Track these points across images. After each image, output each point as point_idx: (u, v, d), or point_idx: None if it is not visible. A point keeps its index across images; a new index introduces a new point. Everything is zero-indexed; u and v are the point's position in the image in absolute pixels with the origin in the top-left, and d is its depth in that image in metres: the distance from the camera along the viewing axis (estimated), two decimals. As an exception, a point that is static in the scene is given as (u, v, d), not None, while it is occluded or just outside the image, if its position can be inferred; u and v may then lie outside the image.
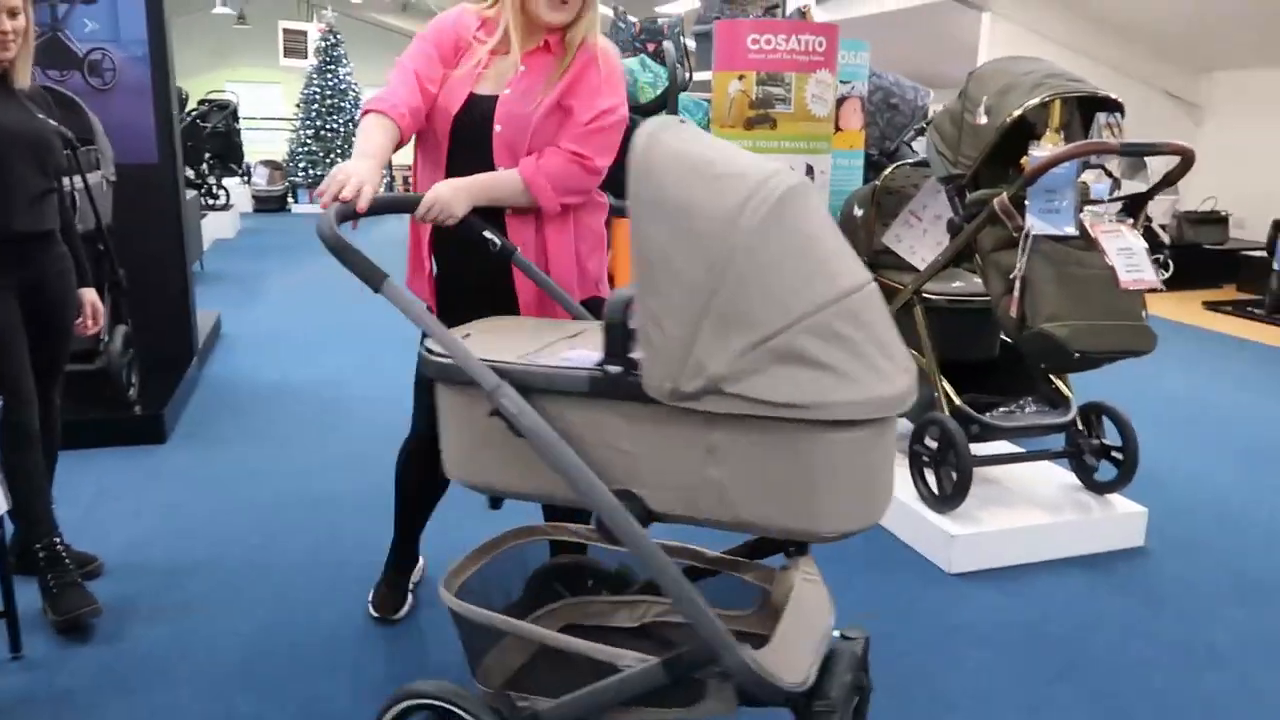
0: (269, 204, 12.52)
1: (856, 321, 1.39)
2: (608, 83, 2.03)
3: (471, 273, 2.12)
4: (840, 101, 3.70)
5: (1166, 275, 8.11)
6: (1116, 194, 2.92)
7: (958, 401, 2.99)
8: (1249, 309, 7.08)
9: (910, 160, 3.62)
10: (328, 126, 12.40)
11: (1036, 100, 2.70)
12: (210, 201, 10.36)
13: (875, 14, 10.47)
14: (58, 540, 2.46)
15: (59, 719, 2.10)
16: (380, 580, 2.56)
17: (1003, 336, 3.26)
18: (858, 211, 3.51)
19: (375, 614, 2.51)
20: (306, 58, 13.66)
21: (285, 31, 15.59)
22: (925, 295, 3.15)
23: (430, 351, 1.61)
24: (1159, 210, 8.08)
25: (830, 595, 1.83)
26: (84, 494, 3.26)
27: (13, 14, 2.27)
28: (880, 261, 3.43)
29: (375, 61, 22.10)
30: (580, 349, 1.64)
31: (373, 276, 1.63)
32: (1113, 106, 2.78)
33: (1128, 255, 2.64)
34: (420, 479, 2.44)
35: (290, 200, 12.69)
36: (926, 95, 4.33)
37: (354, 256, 1.62)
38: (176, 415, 4.07)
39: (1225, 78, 9.16)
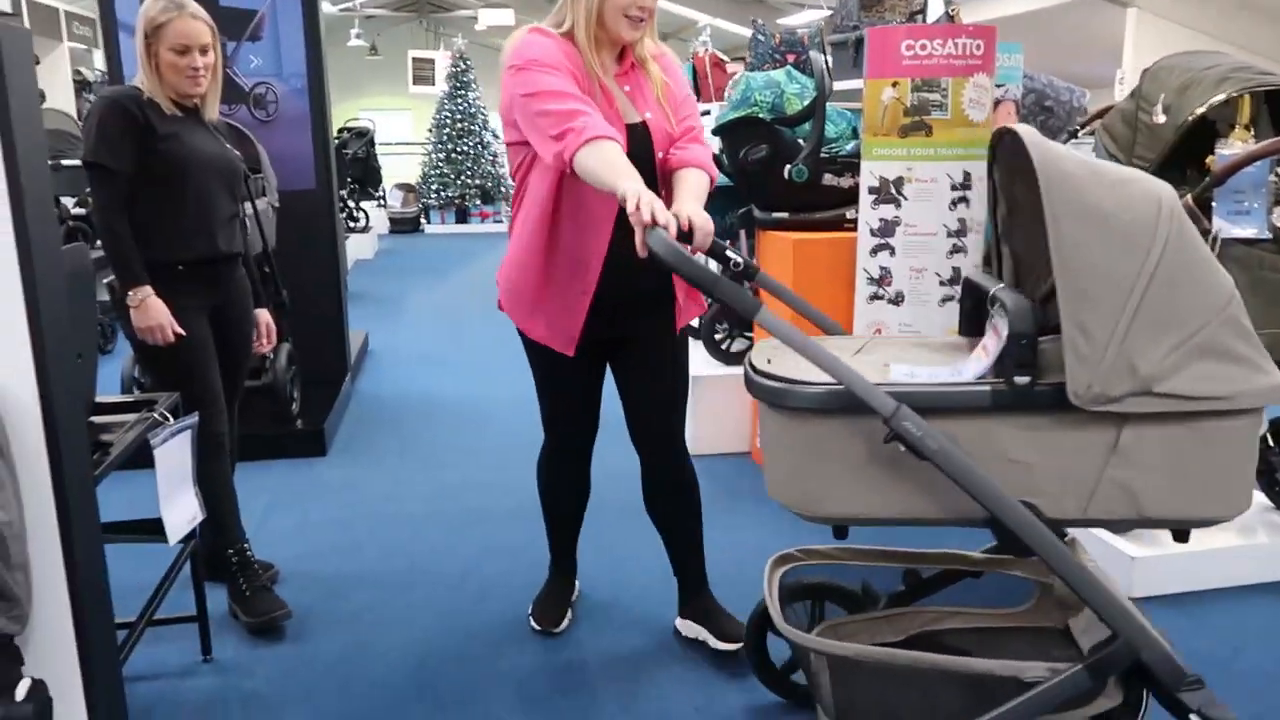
0: (404, 225, 12.99)
1: (1245, 315, 1.49)
2: (679, 73, 2.18)
3: (633, 291, 2.14)
4: (994, 106, 3.57)
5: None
6: None
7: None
8: None
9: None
10: (458, 150, 12.79)
11: (1222, 96, 2.54)
12: (351, 224, 10.82)
13: (1015, 14, 10.13)
14: (247, 545, 2.59)
15: (249, 721, 2.19)
16: (541, 593, 2.59)
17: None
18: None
19: (537, 626, 2.53)
20: (434, 84, 14.16)
21: (414, 60, 16.23)
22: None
23: (787, 379, 1.57)
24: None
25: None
26: (255, 505, 3.41)
27: (204, 51, 2.41)
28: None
29: (497, 87, 22.82)
30: (904, 365, 1.70)
31: (748, 304, 1.60)
32: (1307, 99, 2.59)
33: (1328, 259, 2.45)
34: (558, 487, 2.50)
35: (424, 221, 13.14)
36: (1083, 96, 4.14)
37: (725, 286, 1.59)
38: (335, 430, 4.24)
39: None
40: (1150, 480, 1.52)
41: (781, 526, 3.20)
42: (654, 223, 1.60)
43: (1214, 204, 2.53)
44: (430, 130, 13.11)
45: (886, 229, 3.15)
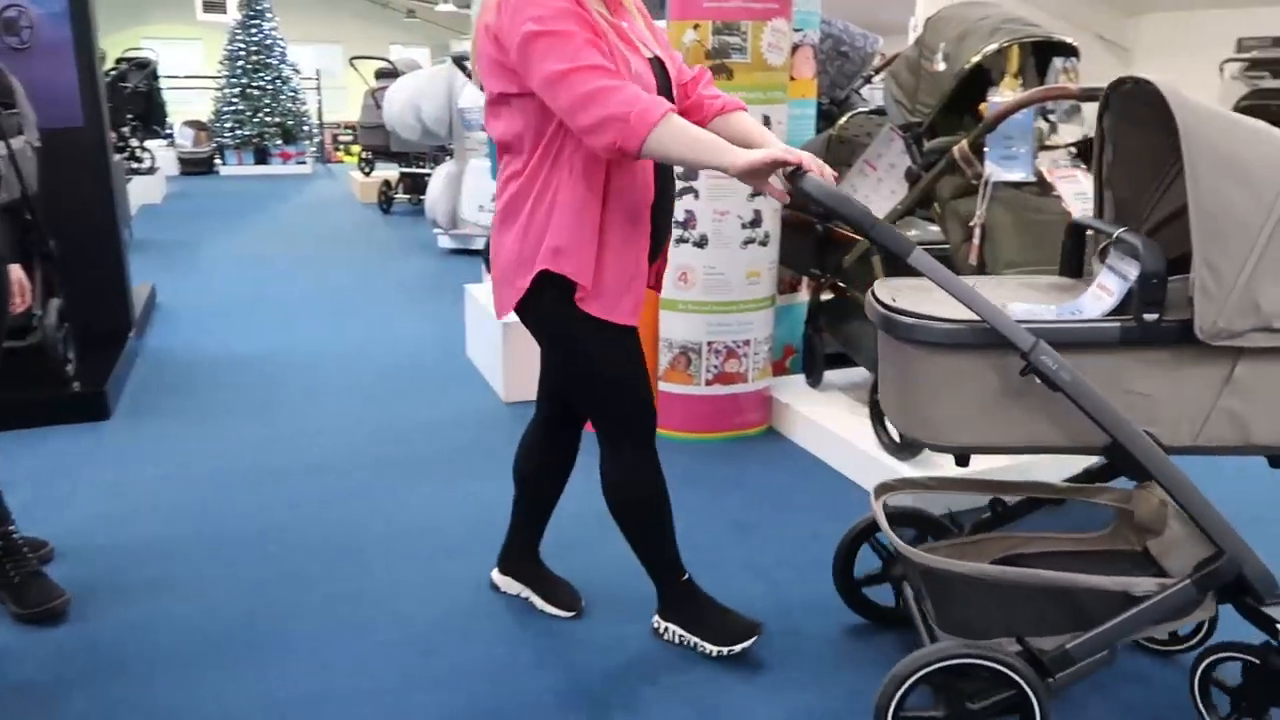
0: (196, 167, 12.10)
1: None
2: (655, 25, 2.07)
3: (663, 239, 2.07)
4: (792, 50, 3.65)
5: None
6: (1054, 139, 2.94)
7: (918, 350, 3.01)
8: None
9: (864, 109, 3.60)
10: (255, 84, 11.96)
11: (994, 46, 2.70)
12: (134, 165, 9.96)
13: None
14: (12, 529, 2.36)
15: (20, 714, 2.02)
16: (691, 614, 2.25)
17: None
18: (813, 162, 3.49)
19: (725, 650, 2.20)
20: (226, 11, 13.15)
21: (203, -16, 15.00)
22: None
23: (920, 315, 1.65)
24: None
25: None
26: (27, 476, 3.13)
27: None
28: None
29: (302, 13, 21.45)
30: (1020, 304, 1.74)
31: (904, 245, 1.66)
32: (1068, 51, 2.78)
33: (1083, 199, 2.67)
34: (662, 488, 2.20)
35: (218, 162, 12.26)
36: (876, 42, 4.31)
37: (883, 230, 1.67)
38: (119, 391, 3.93)
39: (1151, 21, 9.31)
40: (1260, 409, 1.64)
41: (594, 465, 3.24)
42: (805, 169, 1.68)
43: (985, 149, 2.70)
44: (222, 63, 12.17)
45: (689, 173, 3.18)
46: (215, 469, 3.24)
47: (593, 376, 2.02)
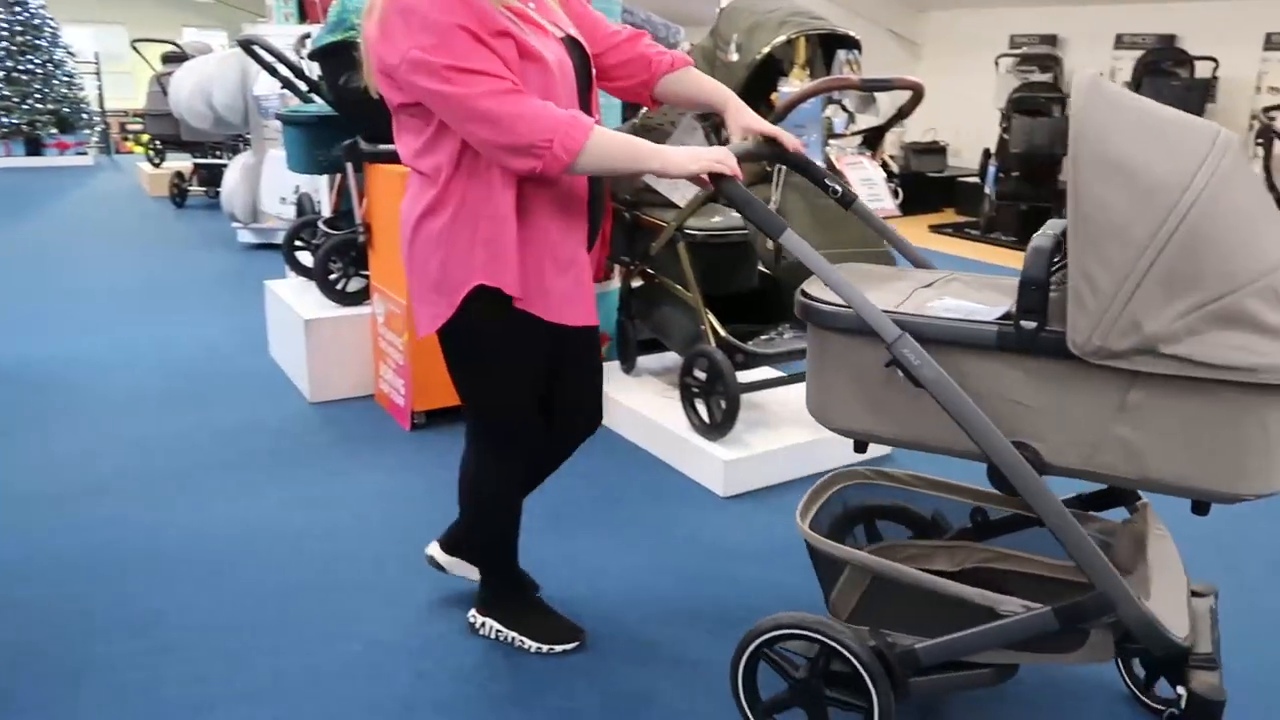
0: (-45, 158, 10.92)
1: None
2: None
3: (598, 220, 2.00)
4: (594, 39, 3.66)
5: (899, 201, 8.81)
6: (852, 128, 3.09)
7: (723, 333, 3.10)
8: (966, 230, 7.84)
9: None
10: (21, 69, 10.88)
11: (783, 37, 2.80)
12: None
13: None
14: None
15: None
16: (534, 621, 2.22)
17: (761, 267, 3.40)
18: (618, 150, 3.51)
19: (568, 646, 2.18)
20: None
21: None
22: (687, 232, 3.22)
23: (816, 299, 1.64)
24: (888, 142, 8.71)
25: (1178, 553, 1.80)
26: None
27: None
28: (642, 199, 3.46)
29: (74, -7, 19.72)
30: (948, 299, 1.67)
31: (774, 225, 1.69)
32: (851, 44, 2.92)
33: (869, 185, 2.81)
34: (517, 503, 2.15)
35: (-18, 153, 11.13)
36: (678, 32, 4.38)
37: (757, 208, 1.71)
38: None
39: (937, 17, 9.93)
40: (1159, 444, 1.46)
41: (409, 466, 3.16)
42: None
43: (778, 137, 2.78)
44: (-17, 45, 11.03)
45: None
46: (-22, 491, 2.94)
47: (500, 377, 1.94)
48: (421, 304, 1.86)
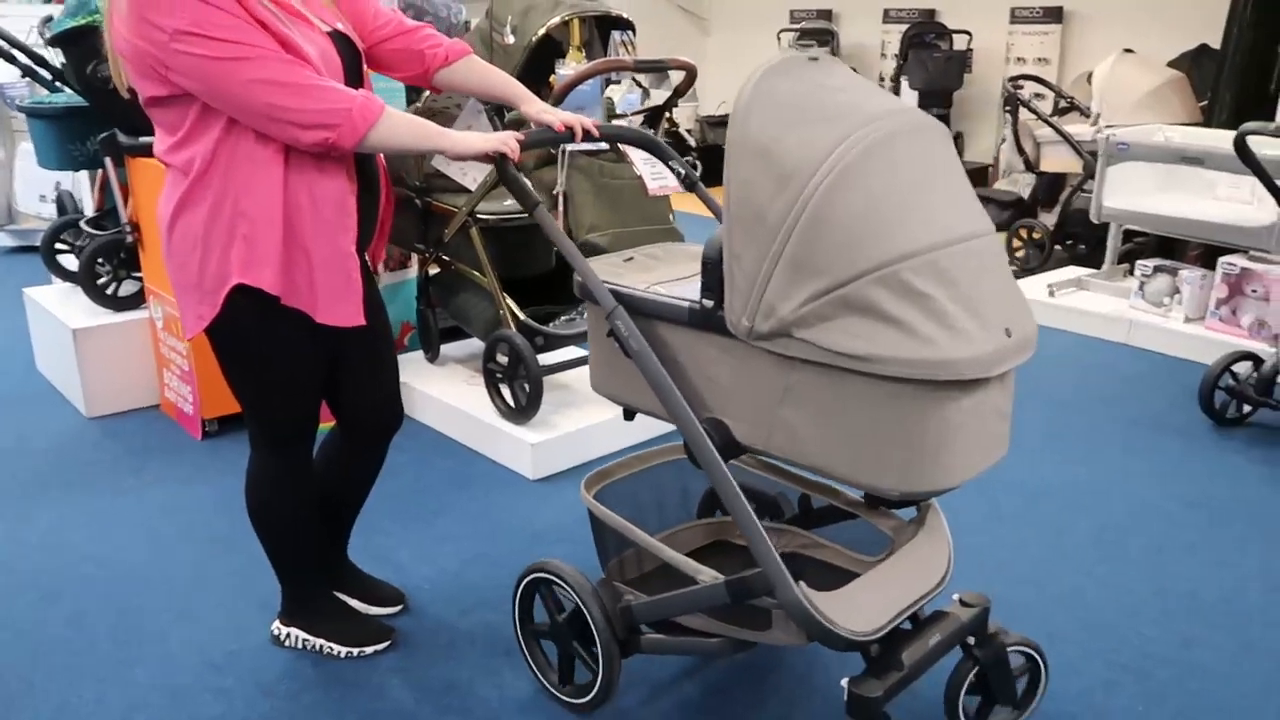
0: None
1: (941, 278, 1.35)
2: None
3: (371, 229, 1.97)
4: (370, 21, 3.56)
5: (699, 173, 9.05)
6: (648, 103, 3.17)
7: (522, 317, 3.11)
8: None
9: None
10: None
11: (557, 19, 2.82)
12: None
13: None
14: None
15: None
16: (332, 619, 2.17)
17: (555, 250, 3.43)
18: (403, 136, 3.44)
19: (366, 650, 2.14)
20: None
21: None
22: (479, 216, 3.20)
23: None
24: (685, 116, 8.93)
25: (949, 557, 1.77)
26: None
27: None
28: (433, 185, 3.41)
29: None
30: (674, 278, 1.74)
31: (529, 200, 1.77)
32: (625, 24, 2.98)
33: (653, 165, 2.88)
34: (308, 504, 2.07)
35: None
36: (459, 12, 4.31)
37: (516, 185, 1.78)
38: None
39: (723, -8, 10.25)
40: (814, 430, 1.45)
41: (202, 477, 3.00)
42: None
43: (560, 120, 2.81)
44: None
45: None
46: None
47: (270, 378, 1.89)
48: (185, 304, 1.80)
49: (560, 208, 2.85)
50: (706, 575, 1.68)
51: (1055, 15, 7.46)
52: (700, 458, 1.59)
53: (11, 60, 3.80)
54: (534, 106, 1.98)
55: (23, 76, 3.96)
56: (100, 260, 3.54)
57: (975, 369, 1.35)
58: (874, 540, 1.93)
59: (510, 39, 2.88)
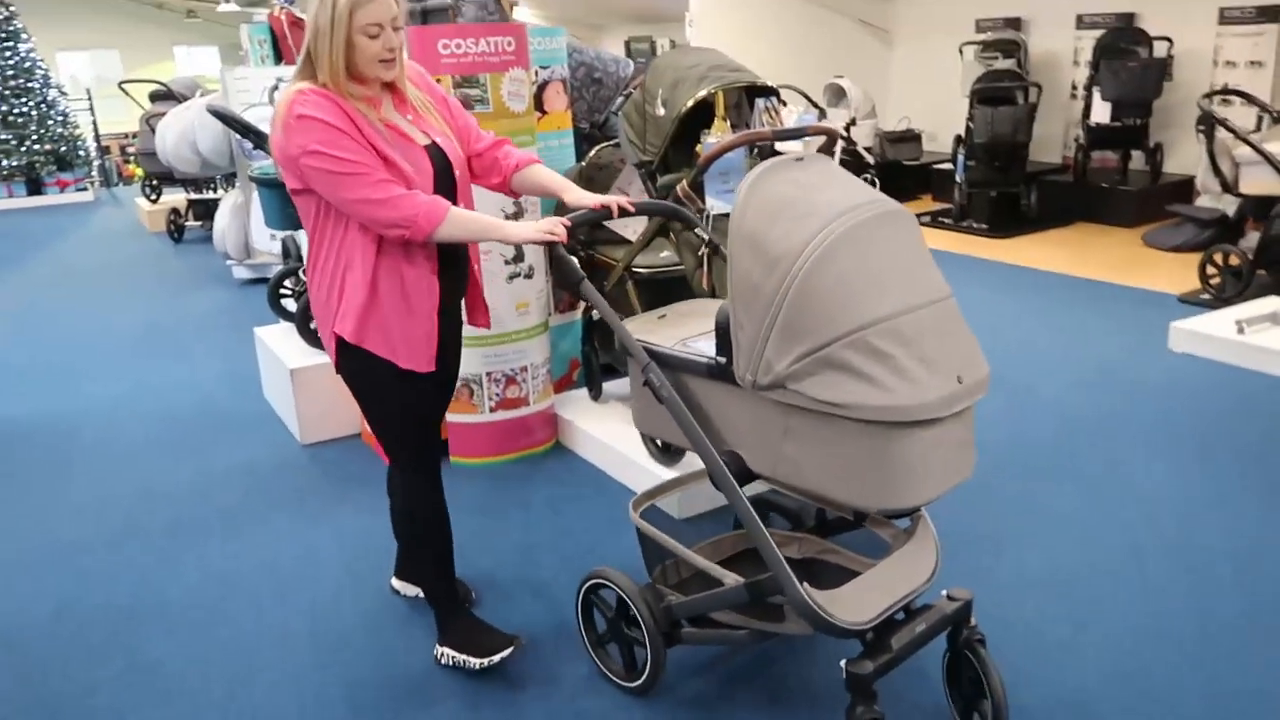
0: (-41, 203, 11.22)
1: (900, 340, 1.72)
2: (439, 89, 2.39)
3: (457, 298, 2.42)
4: (542, 86, 3.88)
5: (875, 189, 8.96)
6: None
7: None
8: (940, 219, 7.99)
9: (615, 140, 3.87)
10: (16, 111, 11.16)
11: (703, 93, 3.01)
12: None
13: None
14: None
15: None
16: (461, 630, 2.48)
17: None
18: (570, 193, 3.74)
19: (486, 662, 2.42)
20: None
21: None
22: (634, 270, 3.45)
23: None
24: (864, 133, 8.87)
25: (936, 559, 2.13)
26: None
27: None
28: (596, 239, 3.68)
29: (72, 20, 19.98)
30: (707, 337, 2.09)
31: (573, 276, 2.16)
32: (769, 93, 3.13)
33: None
34: (440, 512, 2.48)
35: (-15, 196, 11.43)
36: (628, 66, 4.59)
37: (564, 262, 2.16)
38: (-117, 479, 3.77)
39: (907, 4, 10.06)
40: (812, 462, 1.82)
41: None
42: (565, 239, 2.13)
43: (705, 185, 3.01)
44: (-24, 89, 11.31)
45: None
46: (3, 549, 3.21)
47: (380, 410, 2.36)
48: (326, 344, 2.27)
49: (705, 267, 3.04)
50: (730, 579, 2.05)
51: (1271, 14, 6.91)
52: (718, 483, 1.99)
53: (244, 135, 4.40)
54: (571, 194, 2.32)
55: (255, 148, 4.56)
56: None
57: (927, 411, 1.71)
58: (878, 545, 2.26)
59: (661, 110, 3.09)
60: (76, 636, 2.70)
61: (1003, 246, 7.11)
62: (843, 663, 1.92)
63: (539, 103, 3.83)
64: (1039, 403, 4.11)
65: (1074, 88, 8.31)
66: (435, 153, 2.23)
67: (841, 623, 1.87)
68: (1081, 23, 8.17)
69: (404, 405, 2.33)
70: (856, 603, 1.92)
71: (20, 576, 3.05)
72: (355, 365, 2.25)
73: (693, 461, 3.32)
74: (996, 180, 7.60)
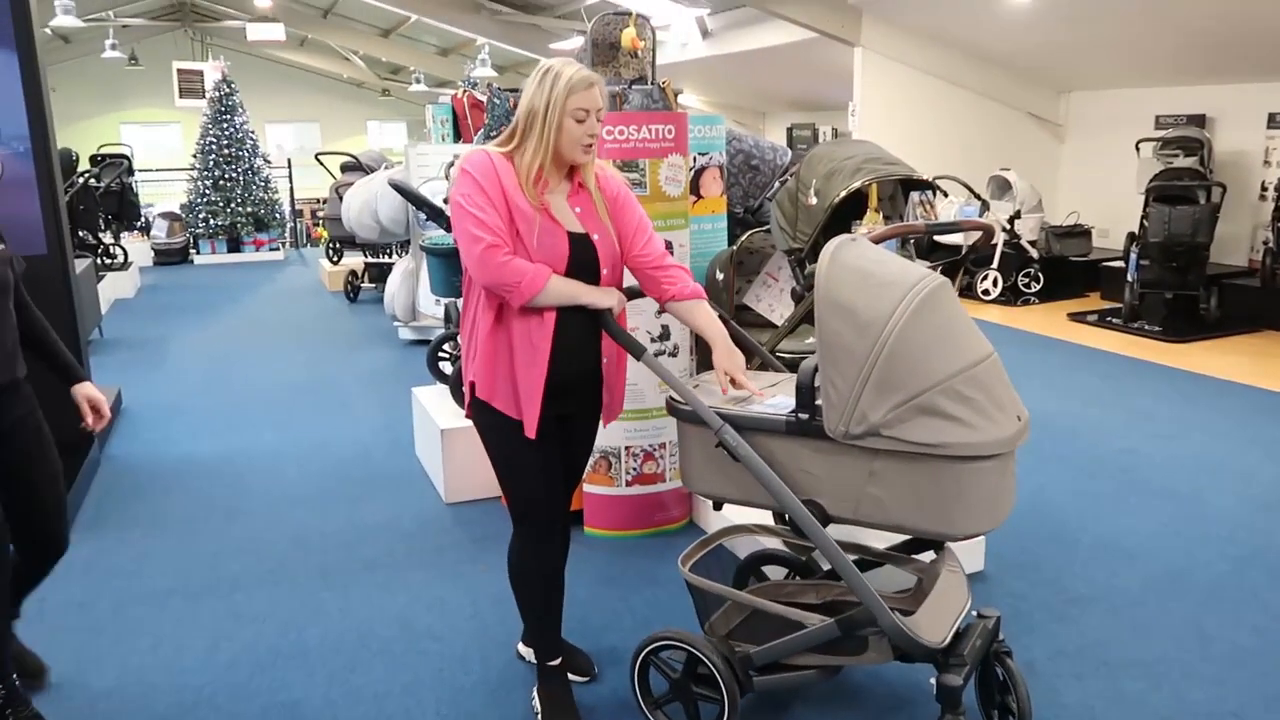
0: (170, 257, 12.37)
1: (978, 385, 2.01)
2: (623, 188, 2.47)
3: (578, 371, 2.41)
4: (700, 172, 3.99)
5: (1039, 286, 8.66)
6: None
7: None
8: (1108, 318, 7.60)
9: (767, 226, 3.91)
10: (226, 176, 12.32)
11: (857, 184, 3.03)
12: (108, 262, 10.24)
13: (760, 49, 10.92)
14: (14, 674, 2.47)
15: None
16: (544, 699, 2.55)
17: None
18: (719, 275, 3.80)
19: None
20: (203, 97, 13.55)
21: (180, 72, 15.45)
22: (780, 355, 3.44)
23: (676, 400, 2.33)
24: (1029, 226, 8.62)
25: (967, 584, 2.38)
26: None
27: None
28: (741, 320, 3.71)
29: (283, 95, 22.02)
30: (779, 395, 2.32)
31: (636, 347, 2.35)
32: (925, 186, 3.11)
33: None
34: (543, 574, 2.50)
35: (192, 252, 12.57)
36: (785, 155, 4.65)
37: (622, 334, 2.35)
38: (78, 504, 4.15)
39: (1080, 98, 9.80)
40: (897, 499, 2.06)
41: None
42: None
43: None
44: (195, 156, 12.55)
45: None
46: (173, 583, 3.46)
47: (497, 466, 2.45)
48: (465, 396, 2.43)
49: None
50: (813, 620, 2.20)
51: None
52: (806, 529, 2.15)
53: (419, 207, 4.71)
54: (719, 349, 2.35)
55: (428, 220, 4.87)
56: (468, 371, 4.24)
57: (1004, 446, 2.02)
58: (895, 582, 2.49)
59: (813, 200, 3.13)
60: (227, 671, 2.86)
61: (1177, 351, 6.69)
62: (932, 679, 2.14)
63: (695, 187, 3.93)
64: (1213, 522, 3.81)
65: (1264, 188, 7.85)
66: (581, 242, 2.30)
67: (927, 643, 2.11)
68: (1274, 122, 7.74)
69: (510, 461, 2.40)
70: (930, 626, 2.15)
71: (182, 605, 3.27)
72: (479, 417, 2.39)
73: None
74: (1173, 281, 7.20)
